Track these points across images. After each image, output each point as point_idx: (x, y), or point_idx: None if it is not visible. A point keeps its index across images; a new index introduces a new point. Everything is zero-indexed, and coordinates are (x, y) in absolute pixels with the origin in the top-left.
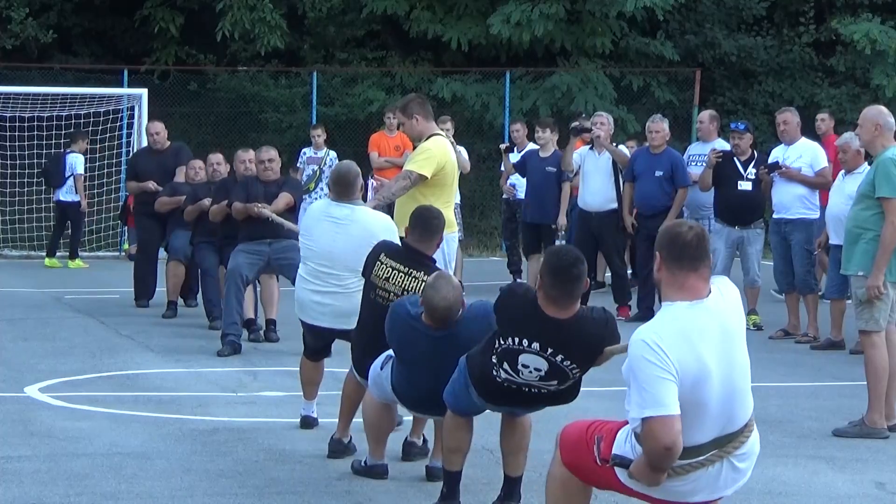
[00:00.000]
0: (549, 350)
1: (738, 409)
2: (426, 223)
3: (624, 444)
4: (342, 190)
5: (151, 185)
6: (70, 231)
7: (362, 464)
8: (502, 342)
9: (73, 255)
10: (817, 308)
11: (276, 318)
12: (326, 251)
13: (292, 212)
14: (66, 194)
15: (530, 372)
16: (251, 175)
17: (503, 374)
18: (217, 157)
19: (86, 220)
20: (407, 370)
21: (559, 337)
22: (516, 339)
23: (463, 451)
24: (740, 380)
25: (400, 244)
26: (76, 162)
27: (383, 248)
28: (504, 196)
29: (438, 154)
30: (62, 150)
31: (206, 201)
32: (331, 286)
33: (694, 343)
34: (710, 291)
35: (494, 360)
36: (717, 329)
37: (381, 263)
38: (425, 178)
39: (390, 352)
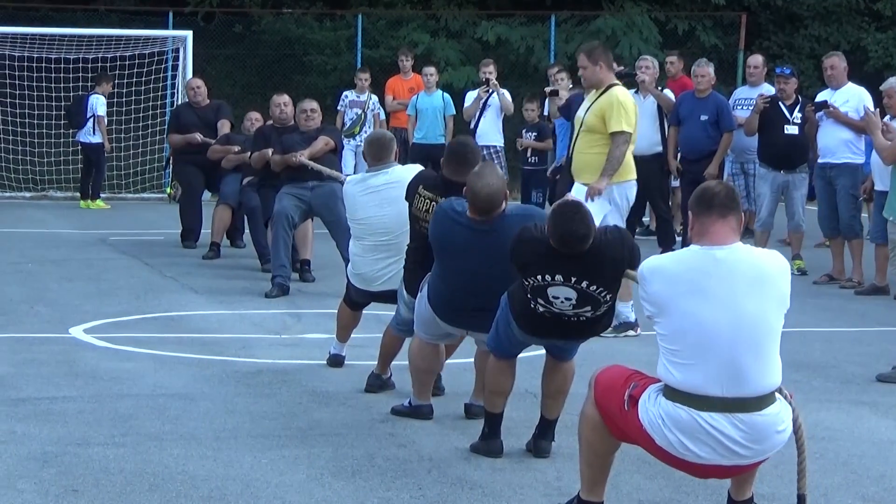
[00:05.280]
0: (573, 279)
1: (749, 361)
2: (460, 158)
3: (648, 401)
4: (377, 152)
5: (198, 136)
6: (93, 172)
7: (406, 405)
8: (529, 281)
9: (95, 196)
10: (862, 253)
11: (316, 260)
12: (381, 223)
13: (334, 152)
14: (85, 136)
15: (562, 302)
16: (288, 124)
17: (541, 308)
18: (255, 115)
19: (129, 161)
20: (444, 268)
21: (579, 266)
22: (539, 277)
23: (505, 394)
24: (751, 333)
25: (437, 174)
26: (97, 103)
27: (421, 179)
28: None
29: (633, 108)
30: (86, 92)
31: (247, 154)
32: (393, 252)
33: (682, 283)
34: (735, 242)
35: (529, 297)
36: (726, 276)
37: (420, 196)
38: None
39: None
